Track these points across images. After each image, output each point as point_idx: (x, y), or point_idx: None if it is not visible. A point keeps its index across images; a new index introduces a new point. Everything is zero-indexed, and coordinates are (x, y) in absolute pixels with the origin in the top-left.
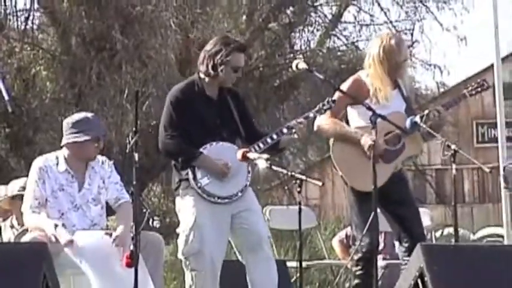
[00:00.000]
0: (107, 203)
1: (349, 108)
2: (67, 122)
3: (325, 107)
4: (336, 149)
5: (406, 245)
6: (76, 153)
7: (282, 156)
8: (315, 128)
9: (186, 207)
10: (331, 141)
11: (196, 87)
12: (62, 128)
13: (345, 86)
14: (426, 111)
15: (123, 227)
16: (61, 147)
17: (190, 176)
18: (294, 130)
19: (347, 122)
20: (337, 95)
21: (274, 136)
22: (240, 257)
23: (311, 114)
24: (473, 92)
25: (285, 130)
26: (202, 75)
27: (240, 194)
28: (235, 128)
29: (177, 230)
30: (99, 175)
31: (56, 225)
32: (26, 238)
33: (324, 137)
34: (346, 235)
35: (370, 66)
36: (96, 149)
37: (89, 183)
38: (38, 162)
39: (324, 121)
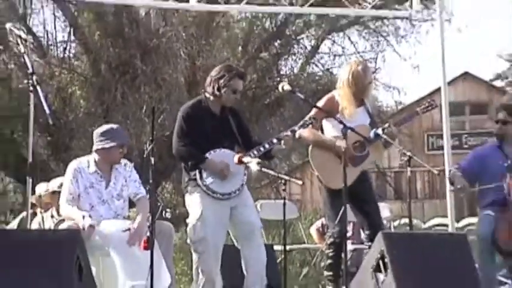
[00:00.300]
0: (128, 197)
1: (324, 121)
2: (96, 132)
3: (307, 123)
4: (314, 154)
5: (368, 233)
6: (104, 158)
7: (271, 160)
8: (297, 136)
9: (193, 202)
10: (310, 148)
11: (203, 105)
12: (92, 137)
13: (320, 103)
14: (386, 125)
15: (141, 216)
16: (91, 151)
17: (198, 176)
18: (282, 141)
19: (322, 132)
20: (314, 110)
21: (266, 145)
22: (236, 243)
23: (296, 128)
24: (425, 110)
25: (274, 141)
26: (208, 95)
27: (237, 192)
28: (234, 138)
29: (187, 221)
30: (122, 175)
31: (83, 216)
32: (63, 226)
33: (304, 144)
34: (322, 224)
35: (340, 88)
36: (121, 154)
37: (114, 182)
38: (73, 165)
39: (304, 131)
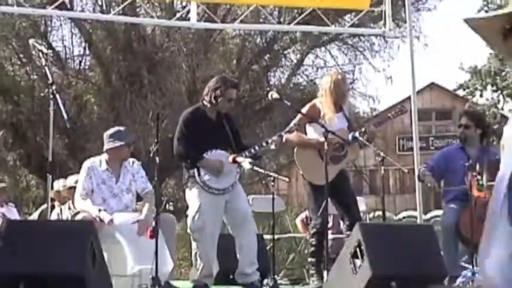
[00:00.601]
0: (136, 191)
1: (307, 126)
2: (106, 134)
3: (292, 129)
4: (298, 154)
5: (347, 223)
6: (114, 156)
7: (261, 160)
8: (284, 140)
9: (192, 196)
10: (295, 149)
11: (201, 111)
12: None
13: (304, 110)
14: (363, 129)
15: (147, 209)
16: (103, 152)
17: (196, 173)
18: (270, 144)
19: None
20: (299, 116)
21: (257, 147)
22: (231, 231)
23: (283, 133)
24: (396, 115)
25: (264, 143)
26: (205, 103)
27: (231, 187)
28: (228, 141)
29: (187, 213)
30: (131, 172)
31: (99, 210)
32: (79, 217)
33: (290, 146)
34: (306, 216)
35: (322, 96)
36: (128, 152)
37: (123, 177)
38: (87, 163)
39: (290, 135)
